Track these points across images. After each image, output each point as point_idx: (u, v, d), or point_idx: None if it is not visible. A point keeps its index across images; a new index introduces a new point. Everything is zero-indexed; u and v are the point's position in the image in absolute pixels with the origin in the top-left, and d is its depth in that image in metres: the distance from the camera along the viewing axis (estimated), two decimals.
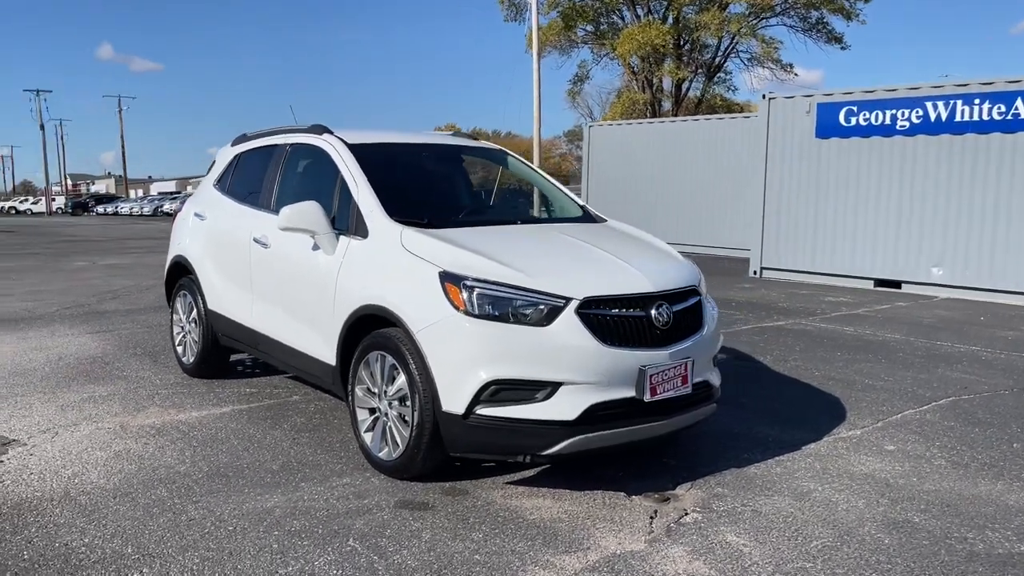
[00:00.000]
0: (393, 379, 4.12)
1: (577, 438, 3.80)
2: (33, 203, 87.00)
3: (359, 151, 4.93)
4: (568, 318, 3.82)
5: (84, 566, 3.24)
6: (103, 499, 3.90)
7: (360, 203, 4.56)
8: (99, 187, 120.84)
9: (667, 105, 35.17)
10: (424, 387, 3.90)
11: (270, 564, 3.25)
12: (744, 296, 11.38)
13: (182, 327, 6.35)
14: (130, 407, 5.49)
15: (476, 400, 3.77)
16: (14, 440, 4.81)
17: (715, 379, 4.42)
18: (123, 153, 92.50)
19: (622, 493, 4.06)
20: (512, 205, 5.82)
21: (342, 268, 4.49)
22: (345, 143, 4.99)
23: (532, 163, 30.74)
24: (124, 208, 68.36)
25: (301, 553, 3.35)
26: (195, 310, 6.08)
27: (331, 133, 5.15)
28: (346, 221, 4.61)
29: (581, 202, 5.46)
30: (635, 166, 18.67)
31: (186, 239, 6.31)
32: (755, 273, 13.76)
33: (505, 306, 3.81)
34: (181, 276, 6.33)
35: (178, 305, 6.39)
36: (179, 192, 69.34)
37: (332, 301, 4.50)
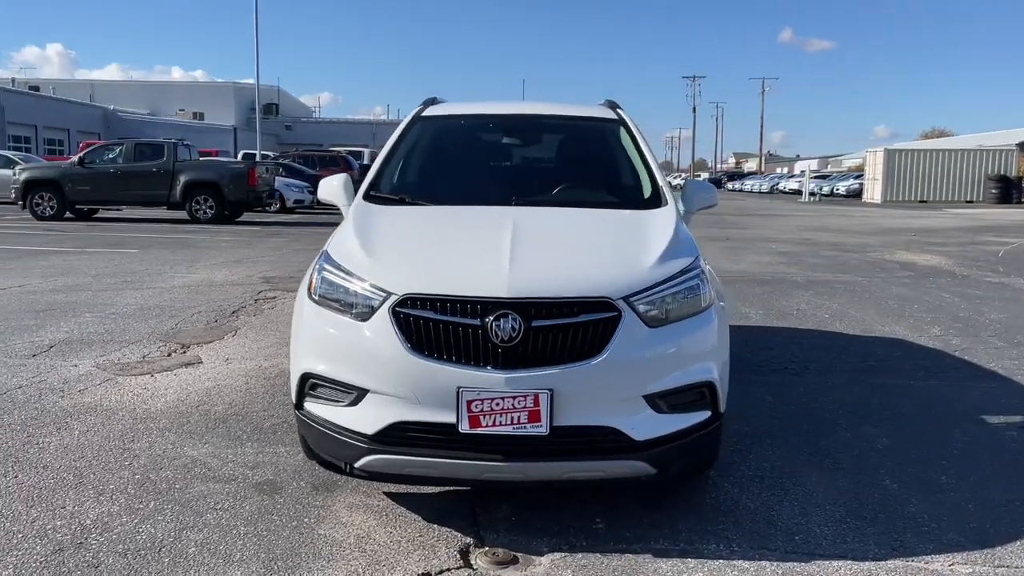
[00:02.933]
0: None
1: (376, 457, 3.26)
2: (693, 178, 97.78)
3: (421, 123, 4.84)
4: (382, 315, 3.27)
5: (8, 461, 4.00)
6: (122, 419, 4.66)
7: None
8: (751, 165, 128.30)
9: None
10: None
11: (71, 501, 3.58)
12: None
13: None
14: None
15: (300, 392, 3.50)
16: (198, 363, 5.93)
17: (639, 429, 3.22)
18: (760, 132, 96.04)
19: (471, 540, 3.32)
20: (539, 184, 4.85)
21: None
22: (418, 115, 4.90)
23: None
24: (747, 185, 72.11)
25: (110, 498, 3.60)
26: None
27: (428, 105, 5.08)
28: None
29: (663, 184, 4.36)
30: None
31: None
32: None
33: (337, 294, 3.43)
34: None
35: None
36: (819, 171, 70.20)
37: None
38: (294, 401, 3.54)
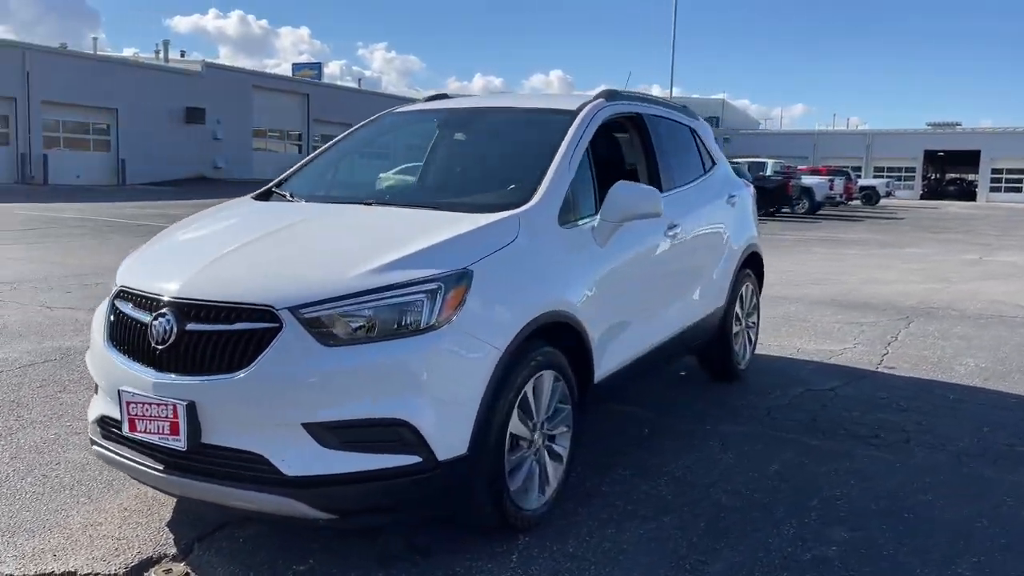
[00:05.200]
0: None
1: (94, 448, 3.29)
2: None
3: (383, 120, 4.66)
4: (104, 306, 3.29)
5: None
6: None
7: None
8: None
9: None
10: None
11: None
12: None
13: None
14: None
15: None
16: None
17: (293, 462, 2.77)
18: None
19: (174, 552, 3.16)
20: (422, 182, 4.05)
21: None
22: (389, 111, 4.76)
23: None
24: None
25: None
26: None
27: (425, 99, 4.91)
28: None
29: (546, 184, 3.58)
30: None
31: None
32: None
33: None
34: None
35: None
36: None
37: None
38: None
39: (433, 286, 2.90)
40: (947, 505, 3.64)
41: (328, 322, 2.81)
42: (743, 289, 5.50)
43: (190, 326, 2.88)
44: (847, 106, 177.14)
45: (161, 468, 2.93)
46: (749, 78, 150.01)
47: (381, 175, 4.66)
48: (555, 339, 3.38)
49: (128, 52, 48.09)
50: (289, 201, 4.01)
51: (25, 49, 34.24)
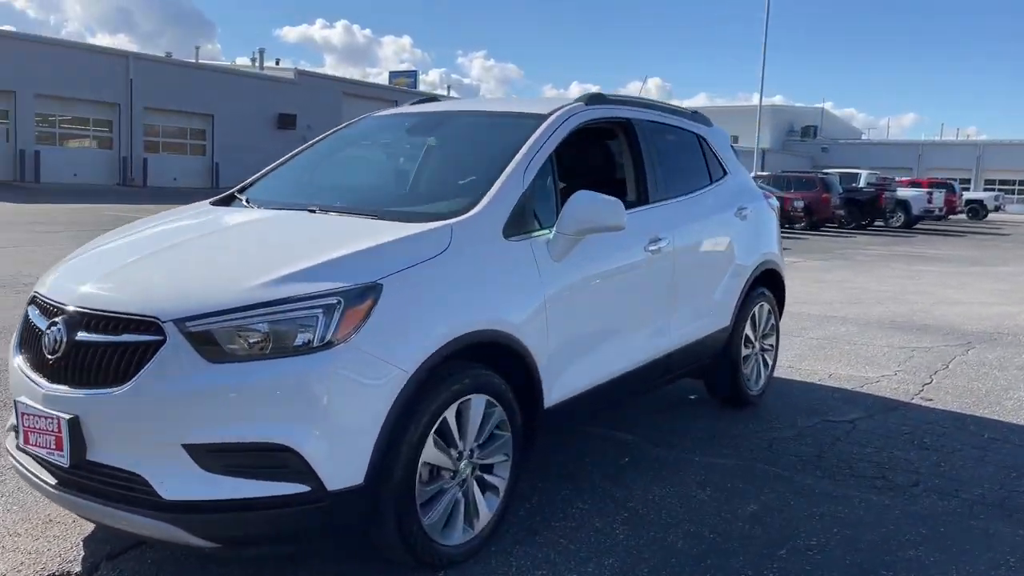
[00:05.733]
0: None
1: (9, 459, 3.19)
2: None
3: (360, 123, 4.50)
4: (23, 313, 3.20)
5: None
6: None
7: None
8: None
9: None
10: None
11: None
12: None
13: None
14: None
15: None
16: None
17: (171, 485, 2.60)
18: None
19: (78, 571, 3.05)
20: (375, 188, 3.82)
21: None
22: (369, 114, 4.58)
23: None
24: None
25: None
26: None
27: (414, 103, 4.73)
28: None
29: (492, 194, 3.32)
30: None
31: None
32: None
33: None
34: None
35: None
36: None
37: None
38: None
39: (331, 301, 2.69)
40: (935, 563, 3.20)
41: (215, 336, 2.63)
42: (755, 309, 5.08)
43: (80, 336, 2.75)
44: (962, 116, 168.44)
45: (54, 483, 2.82)
46: (858, 87, 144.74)
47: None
48: (492, 360, 3.13)
49: (241, 61, 49.80)
50: (244, 206, 3.86)
51: (129, 57, 35.87)
